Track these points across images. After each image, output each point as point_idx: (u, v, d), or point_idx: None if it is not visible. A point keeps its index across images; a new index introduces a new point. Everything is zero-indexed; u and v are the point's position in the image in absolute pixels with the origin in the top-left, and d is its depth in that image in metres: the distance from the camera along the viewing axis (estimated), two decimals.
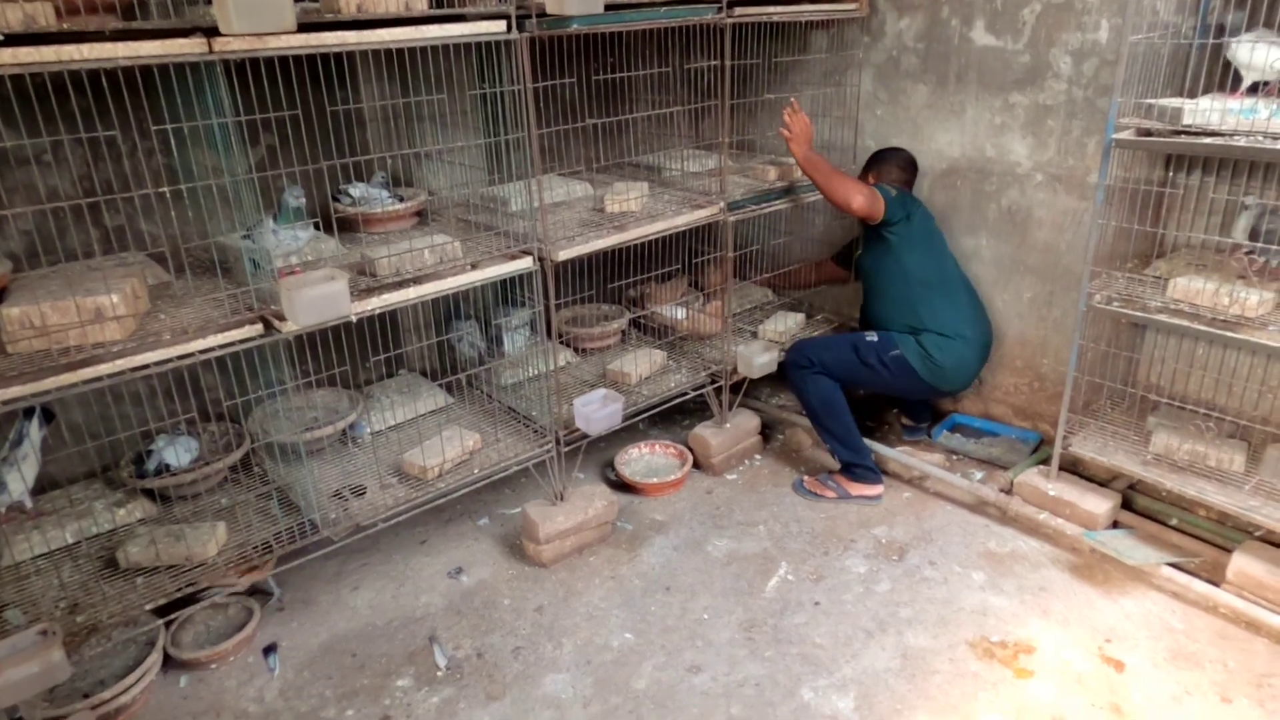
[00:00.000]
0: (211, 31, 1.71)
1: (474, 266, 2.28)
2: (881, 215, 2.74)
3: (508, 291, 2.86)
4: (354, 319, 2.02)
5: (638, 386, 2.90)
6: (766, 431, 3.28)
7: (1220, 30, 2.28)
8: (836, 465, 2.96)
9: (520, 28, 2.16)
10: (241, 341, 1.92)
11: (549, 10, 2.16)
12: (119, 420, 2.36)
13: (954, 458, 3.07)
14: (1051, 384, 2.98)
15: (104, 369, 1.75)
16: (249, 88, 2.00)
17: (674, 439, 3.20)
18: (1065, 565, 2.51)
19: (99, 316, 1.79)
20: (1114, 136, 2.23)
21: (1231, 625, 2.24)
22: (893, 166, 2.97)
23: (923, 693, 2.09)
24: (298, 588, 2.54)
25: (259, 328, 1.95)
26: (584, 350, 3.18)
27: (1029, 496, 2.68)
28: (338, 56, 2.49)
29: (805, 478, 2.97)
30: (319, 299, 1.90)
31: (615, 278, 2.99)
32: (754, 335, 3.25)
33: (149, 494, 2.27)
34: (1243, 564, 2.25)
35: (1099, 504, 2.55)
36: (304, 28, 1.81)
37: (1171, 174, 2.49)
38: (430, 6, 2.09)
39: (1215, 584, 2.31)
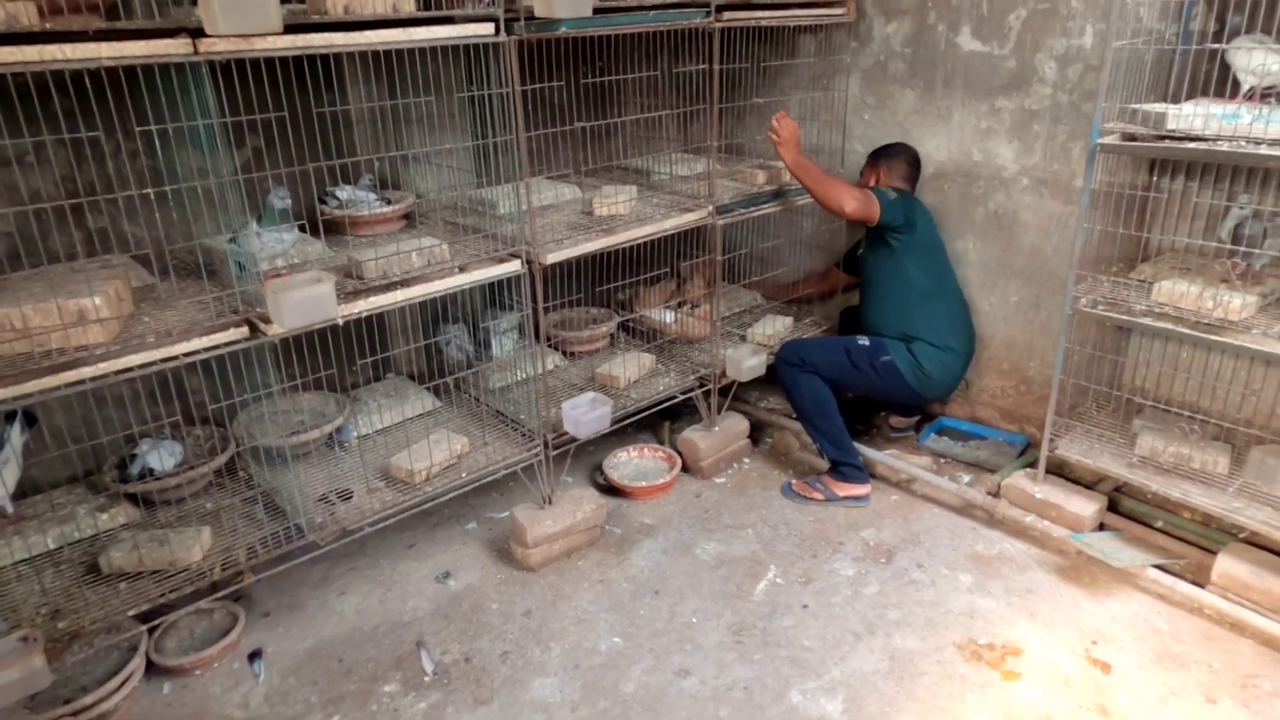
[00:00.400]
0: (197, 32, 1.69)
1: (462, 269, 2.27)
2: (877, 218, 2.74)
3: (496, 294, 2.85)
4: (340, 322, 2.01)
5: (626, 390, 2.90)
6: (755, 434, 3.28)
7: (1203, 36, 2.30)
8: (825, 467, 2.96)
9: (508, 30, 2.15)
10: (227, 344, 1.91)
11: (537, 13, 2.16)
12: (102, 424, 2.34)
13: (941, 461, 3.08)
14: (1038, 387, 3.00)
15: (86, 372, 1.73)
16: (235, 88, 1.98)
17: (663, 442, 3.20)
18: (1052, 567, 2.52)
19: (82, 319, 1.77)
20: (1098, 141, 2.25)
21: (1216, 626, 2.26)
22: (900, 162, 2.95)
23: (910, 695, 2.09)
24: (284, 593, 2.52)
25: (244, 330, 1.93)
26: (572, 353, 3.18)
27: (1016, 499, 2.70)
28: (324, 58, 2.47)
29: (793, 481, 2.97)
30: (305, 301, 1.88)
31: (604, 281, 2.99)
32: (742, 338, 3.25)
33: (132, 498, 2.24)
34: (1227, 565, 2.26)
35: (1085, 506, 2.56)
36: (290, 29, 1.80)
37: (1156, 178, 2.51)
38: (418, 8, 2.09)
39: (1200, 585, 2.33)
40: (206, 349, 1.88)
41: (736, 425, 3.17)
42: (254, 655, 2.28)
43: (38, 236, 2.15)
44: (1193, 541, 2.50)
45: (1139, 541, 2.53)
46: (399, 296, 2.14)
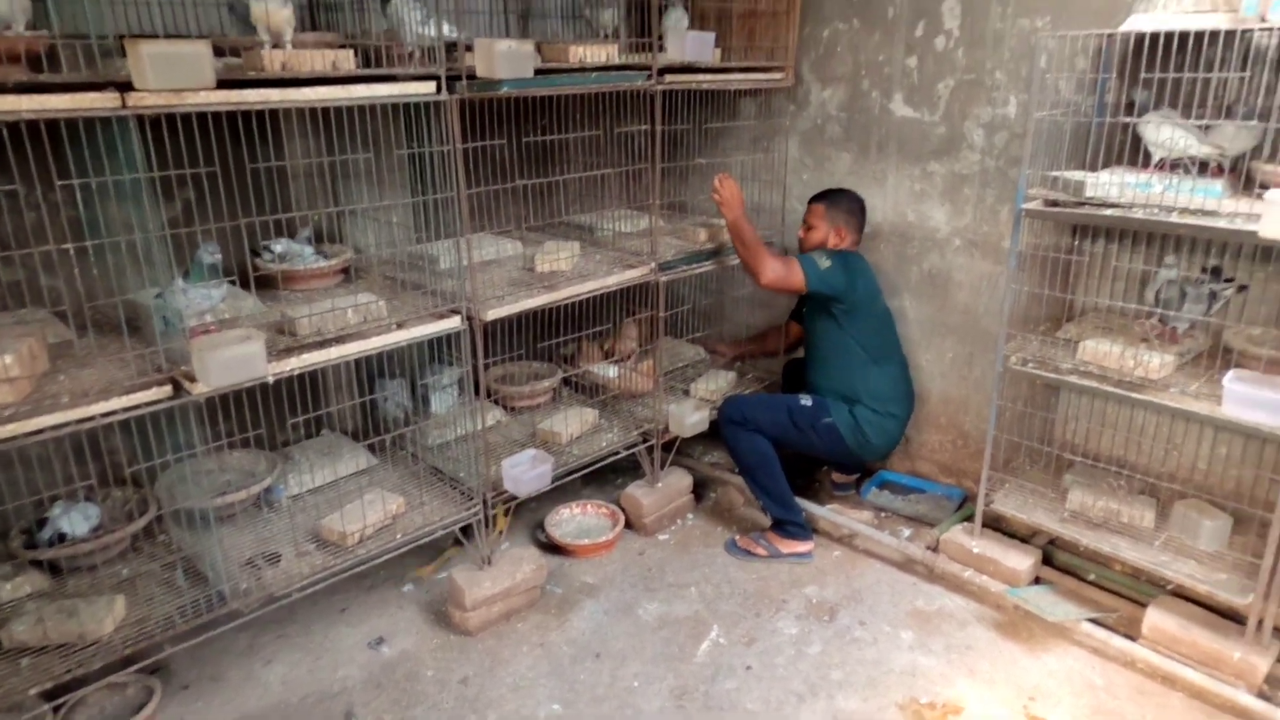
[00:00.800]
0: (125, 86, 1.66)
1: (400, 326, 2.24)
2: (803, 288, 2.76)
3: (437, 349, 2.82)
4: (271, 380, 1.95)
5: (569, 446, 2.87)
6: (699, 490, 3.27)
7: (1116, 109, 2.43)
8: (768, 523, 2.96)
9: (450, 89, 2.16)
10: (148, 404, 1.83)
11: (479, 73, 2.18)
12: (8, 486, 2.21)
13: (882, 515, 3.11)
14: (974, 441, 3.06)
15: None
16: (164, 141, 1.94)
17: (606, 498, 3.16)
18: (990, 623, 2.54)
19: None
20: (1023, 206, 2.34)
21: (1149, 680, 2.29)
22: (850, 214, 2.91)
23: None
24: (205, 663, 2.39)
25: (168, 389, 1.86)
26: (515, 409, 3.14)
27: (954, 554, 2.72)
28: (262, 111, 2.45)
29: (737, 537, 2.96)
30: (233, 360, 1.83)
31: (547, 336, 2.97)
32: (686, 393, 3.25)
33: (42, 565, 2.12)
34: (1156, 619, 2.31)
35: (1021, 561, 2.60)
36: (224, 84, 1.78)
37: (1078, 241, 2.62)
38: (359, 64, 2.08)
39: (1132, 639, 2.37)
40: (125, 409, 1.80)
41: (680, 481, 3.15)
42: None
43: None
44: (1124, 594, 2.55)
45: (1073, 595, 2.57)
46: (333, 354, 2.09)
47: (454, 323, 2.32)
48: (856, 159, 3.17)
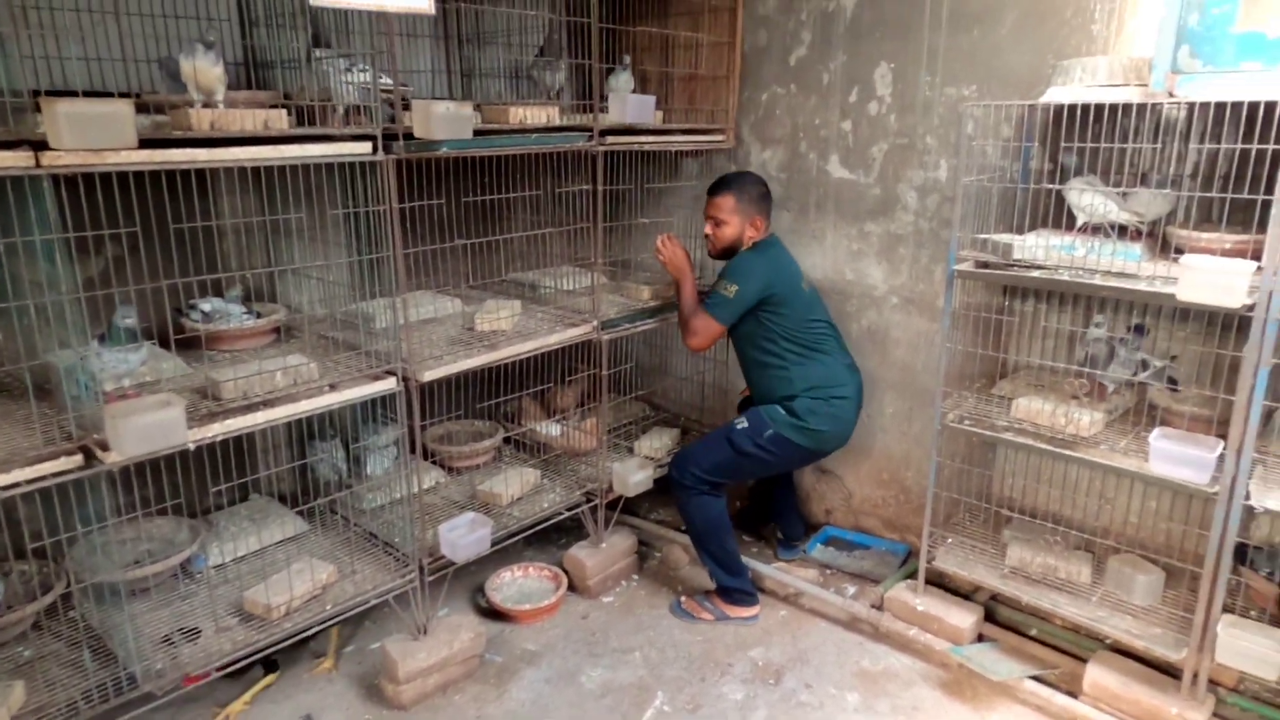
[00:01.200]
0: (40, 145, 1.60)
1: (332, 388, 2.17)
2: (722, 333, 2.75)
3: (374, 409, 2.74)
4: (192, 447, 1.87)
5: (509, 508, 2.80)
6: (644, 549, 3.22)
7: (1040, 174, 2.52)
8: (714, 585, 2.91)
9: (387, 149, 2.14)
10: (55, 475, 1.73)
11: (416, 134, 2.17)
12: None
13: (828, 572, 3.09)
14: (916, 496, 3.08)
15: None
16: (82, 199, 1.87)
17: (549, 560, 3.08)
18: (936, 682, 2.52)
19: None
20: (954, 268, 2.39)
21: None
22: (753, 198, 2.77)
23: None
24: None
25: (78, 459, 1.76)
26: (455, 469, 3.07)
27: (899, 612, 2.71)
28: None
29: (683, 599, 2.90)
30: (150, 427, 1.74)
31: (489, 394, 2.92)
32: (630, 451, 3.22)
33: None
34: (1096, 675, 2.32)
35: (964, 618, 2.60)
36: (148, 144, 1.73)
37: (1008, 301, 2.69)
38: (292, 122, 2.05)
39: (1074, 695, 2.37)
40: (30, 481, 1.70)
41: (624, 541, 3.10)
42: None
43: None
44: (1065, 649, 2.56)
45: (1015, 651, 2.57)
46: (260, 418, 2.01)
47: (389, 384, 2.26)
48: (796, 218, 3.22)
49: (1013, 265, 2.33)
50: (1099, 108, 2.19)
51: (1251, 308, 1.94)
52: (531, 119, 2.52)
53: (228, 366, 2.16)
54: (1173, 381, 2.33)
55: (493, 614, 2.84)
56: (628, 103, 2.73)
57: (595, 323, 2.80)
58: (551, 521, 2.85)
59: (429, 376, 2.32)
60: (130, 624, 2.03)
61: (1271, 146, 1.90)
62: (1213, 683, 2.25)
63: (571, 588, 2.97)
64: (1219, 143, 2.15)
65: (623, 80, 2.96)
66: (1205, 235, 2.13)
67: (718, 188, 2.79)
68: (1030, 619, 2.67)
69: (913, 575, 2.78)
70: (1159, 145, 2.32)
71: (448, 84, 3.11)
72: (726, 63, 3.21)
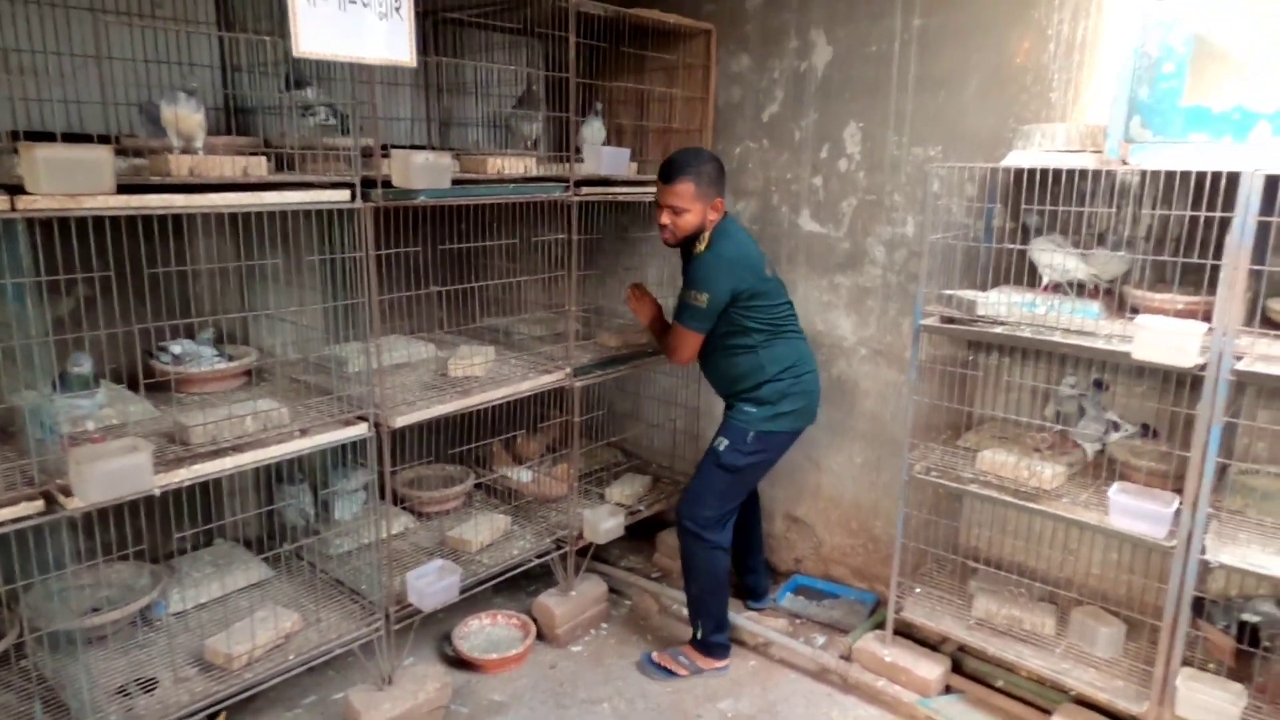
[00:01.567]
0: (16, 189, 1.60)
1: (303, 433, 2.16)
2: (701, 340, 2.64)
3: (343, 452, 2.72)
4: (157, 493, 1.84)
5: (479, 555, 2.78)
6: (614, 596, 3.20)
7: (1002, 233, 2.60)
8: (685, 635, 2.90)
9: (365, 197, 2.17)
10: (14, 521, 1.70)
11: (395, 183, 2.19)
12: None
13: (797, 621, 3.09)
14: (884, 546, 3.10)
15: None
16: (55, 240, 1.86)
17: (518, 607, 3.05)
18: None
19: None
20: (921, 322, 2.45)
21: None
22: (712, 180, 2.57)
23: None
24: None
25: (39, 505, 1.73)
26: (425, 514, 3.04)
27: (867, 663, 2.71)
28: None
29: (654, 654, 2.85)
30: (115, 473, 1.72)
31: (461, 439, 2.92)
32: (601, 498, 3.22)
33: None
34: None
35: (931, 669, 2.61)
36: (126, 189, 1.74)
37: (973, 355, 2.75)
38: (271, 168, 2.07)
39: None
40: None
41: (594, 589, 3.08)
42: None
43: None
44: (1031, 701, 2.57)
45: (982, 703, 2.58)
46: (229, 464, 2.00)
47: (360, 430, 2.25)
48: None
49: (976, 321, 2.39)
50: (1058, 172, 2.28)
51: (1203, 367, 2.01)
52: (509, 169, 2.56)
53: (197, 410, 2.14)
54: (1146, 427, 2.38)
55: (459, 663, 2.80)
56: (602, 155, 2.79)
57: (568, 369, 2.82)
58: (521, 569, 2.83)
59: (401, 422, 2.32)
60: (85, 674, 1.98)
61: (1219, 214, 1.98)
62: None
63: (540, 636, 2.94)
64: (1171, 208, 2.24)
65: (594, 129, 3.02)
66: (1159, 296, 2.22)
67: (673, 173, 2.54)
68: (996, 670, 2.69)
69: (881, 625, 2.79)
70: (1115, 209, 2.41)
71: (427, 131, 3.16)
72: (700, 117, 3.29)
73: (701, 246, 2.57)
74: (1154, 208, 2.34)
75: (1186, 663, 2.19)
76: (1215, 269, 2.00)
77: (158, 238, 2.33)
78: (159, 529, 2.47)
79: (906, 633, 2.79)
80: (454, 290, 3.01)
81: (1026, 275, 2.47)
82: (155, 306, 2.39)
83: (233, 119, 2.52)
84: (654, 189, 2.85)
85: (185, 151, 1.95)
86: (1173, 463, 2.21)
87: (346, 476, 2.85)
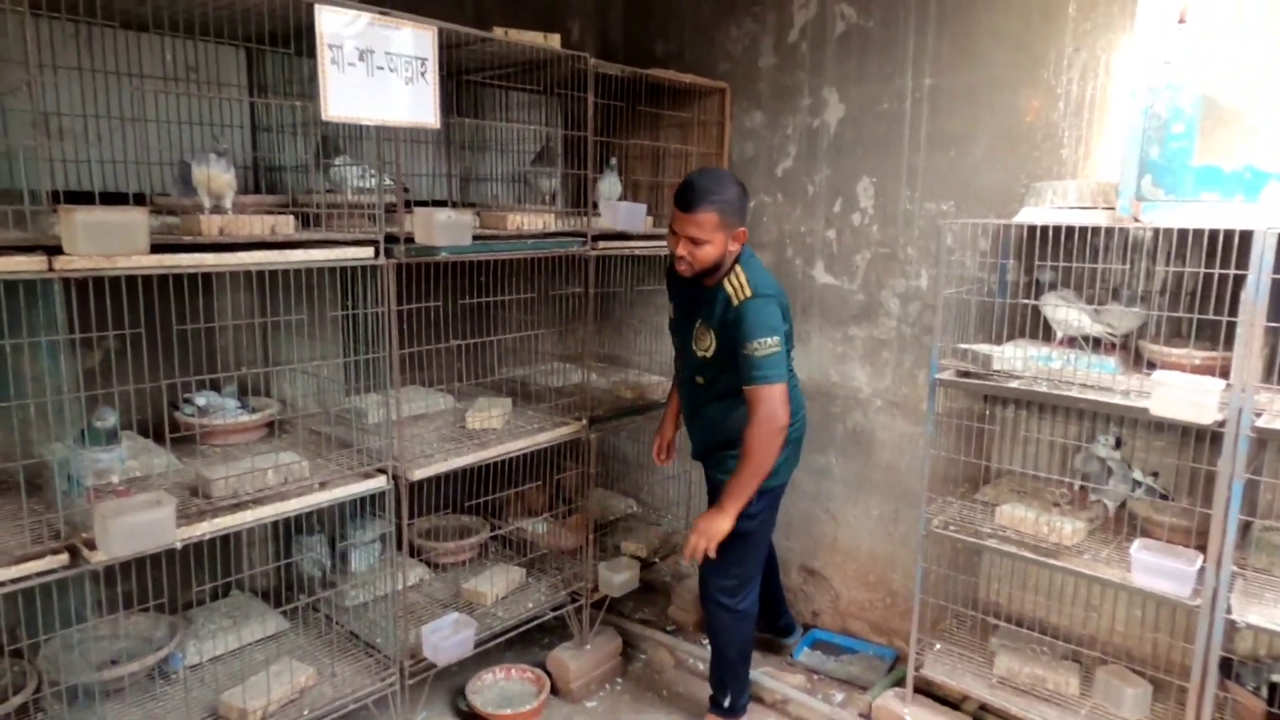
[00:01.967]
0: (54, 250, 1.65)
1: (322, 486, 2.18)
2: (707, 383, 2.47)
3: (361, 504, 2.73)
4: (179, 546, 1.86)
5: (493, 607, 2.77)
6: (629, 650, 3.17)
7: (1016, 287, 2.62)
8: (703, 692, 2.85)
9: (388, 254, 2.22)
10: (39, 575, 1.72)
11: (418, 240, 2.24)
12: None
13: (815, 677, 3.04)
14: (903, 600, 3.06)
15: None
16: (88, 296, 1.92)
17: (532, 660, 3.02)
18: None
19: None
20: (936, 376, 2.46)
21: None
22: (737, 209, 2.33)
23: None
24: None
25: (64, 558, 1.75)
26: (440, 565, 3.04)
27: None
28: None
29: None
30: (139, 527, 1.74)
31: (477, 488, 2.92)
32: (617, 549, 3.21)
33: None
34: None
35: None
36: (159, 248, 1.79)
37: (990, 408, 2.75)
38: (298, 226, 2.12)
39: None
40: (13, 580, 1.68)
41: (609, 643, 3.05)
42: None
43: None
44: None
45: None
46: (249, 517, 2.01)
47: (379, 482, 2.27)
48: None
49: (992, 375, 2.40)
50: (1070, 228, 2.30)
51: (1223, 423, 2.00)
52: (528, 225, 2.62)
53: (219, 462, 2.17)
54: (1164, 495, 2.35)
55: (473, 718, 2.77)
56: (619, 211, 2.84)
57: (584, 420, 2.83)
58: (536, 622, 2.82)
59: (419, 475, 2.34)
60: None
61: (1233, 271, 2.00)
62: None
63: (554, 690, 2.91)
64: (1184, 264, 2.25)
65: (610, 184, 3.08)
66: (1175, 351, 2.22)
67: (694, 200, 2.26)
68: None
69: (900, 682, 2.74)
70: (1128, 264, 2.43)
71: (448, 187, 3.23)
72: None
73: (745, 293, 2.31)
74: (1168, 264, 2.35)
75: None
76: (1231, 325, 2.00)
77: (187, 293, 2.39)
78: (178, 580, 2.49)
79: (927, 690, 2.74)
80: (472, 345, 3.05)
81: (1042, 329, 2.48)
82: (181, 359, 2.43)
83: (260, 176, 2.60)
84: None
85: (216, 210, 2.01)
86: (1194, 519, 2.19)
87: (363, 527, 2.85)
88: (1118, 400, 2.17)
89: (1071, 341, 2.41)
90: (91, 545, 1.76)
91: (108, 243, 1.65)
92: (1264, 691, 2.17)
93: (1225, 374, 2.04)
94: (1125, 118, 2.21)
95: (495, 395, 2.93)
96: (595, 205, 2.90)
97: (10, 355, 1.86)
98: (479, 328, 3.12)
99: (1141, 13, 2.15)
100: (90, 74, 2.17)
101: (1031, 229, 2.46)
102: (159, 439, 2.25)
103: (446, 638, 2.42)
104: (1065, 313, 2.36)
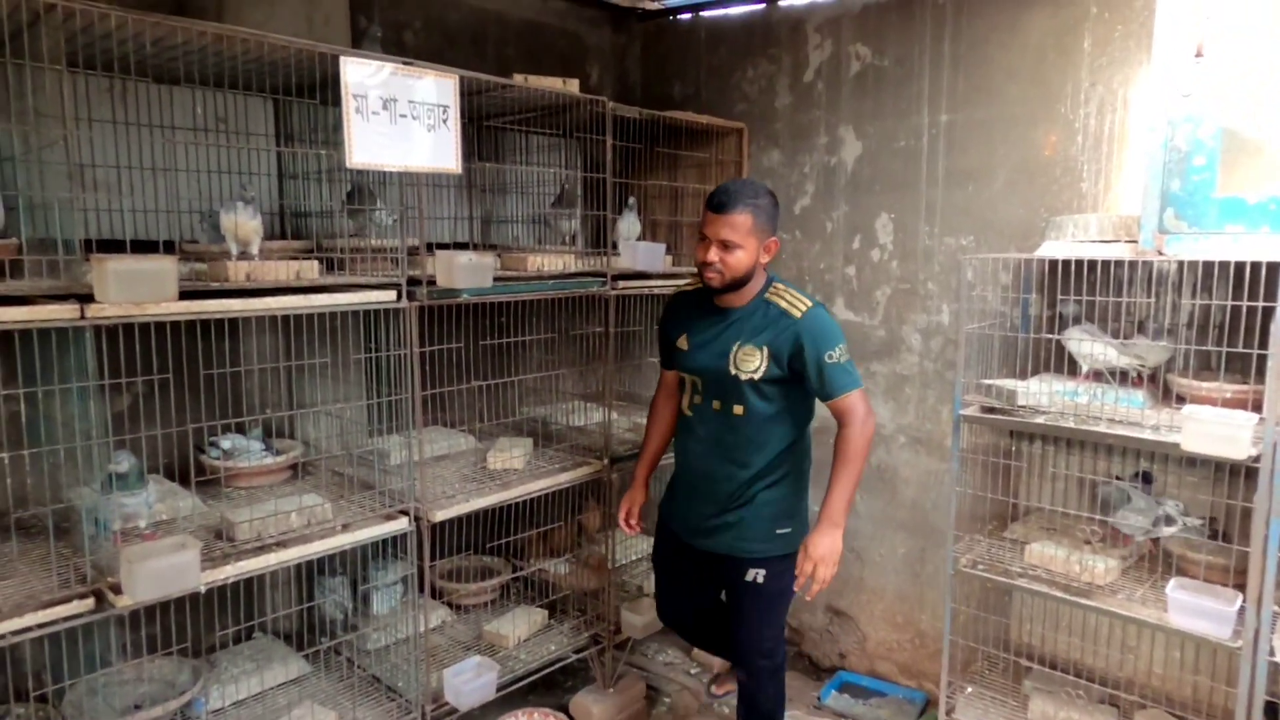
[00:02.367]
0: (86, 298, 1.69)
1: (345, 528, 2.19)
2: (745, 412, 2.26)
3: (383, 546, 2.73)
4: (203, 589, 1.87)
5: (515, 649, 2.74)
6: (652, 693, 3.12)
7: (1040, 321, 2.60)
8: None
9: (410, 296, 2.24)
10: (65, 619, 1.73)
11: (440, 283, 2.27)
12: None
13: None
14: (932, 641, 3.00)
15: None
16: (118, 342, 1.95)
17: (554, 703, 2.98)
18: None
19: None
20: (961, 412, 2.43)
21: None
22: (771, 216, 2.22)
23: None
24: None
25: (90, 603, 1.76)
26: (461, 606, 3.02)
27: None
28: None
29: None
30: (165, 571, 1.75)
31: (498, 529, 2.91)
32: (639, 589, 3.17)
33: None
34: None
35: None
36: (187, 294, 1.82)
37: (1016, 444, 2.71)
38: (322, 270, 2.16)
39: None
40: (40, 625, 1.70)
41: (632, 686, 3.01)
42: None
43: None
44: None
45: None
46: (272, 560, 2.02)
47: (401, 524, 2.27)
48: None
49: (1017, 410, 2.37)
50: (1092, 262, 2.29)
51: (1258, 458, 1.96)
52: (548, 266, 2.64)
53: (244, 505, 2.18)
54: (1213, 535, 2.28)
55: None
56: (638, 250, 2.86)
57: (606, 460, 2.83)
58: (558, 665, 2.78)
59: (441, 516, 2.34)
60: None
61: (1261, 304, 1.97)
62: None
63: None
64: (1210, 296, 2.23)
65: (629, 223, 3.10)
66: (1205, 385, 2.18)
67: (729, 201, 2.14)
68: None
69: None
70: (1154, 297, 2.40)
71: (469, 229, 3.27)
72: None
73: (804, 303, 2.20)
74: (1194, 296, 2.32)
75: None
76: (1262, 358, 1.97)
77: (214, 337, 2.42)
78: (202, 623, 2.49)
79: None
80: (493, 386, 3.06)
81: (1067, 363, 2.45)
82: (208, 402, 2.46)
83: (286, 222, 2.65)
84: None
85: (243, 256, 2.05)
86: (1232, 557, 2.13)
87: (384, 569, 2.84)
88: (1147, 435, 2.13)
89: (1097, 376, 2.38)
90: (117, 589, 1.77)
91: (138, 291, 1.68)
92: None
93: (1258, 407, 2.00)
94: (1145, 151, 2.21)
95: (516, 435, 2.93)
96: (614, 245, 2.92)
97: (42, 400, 1.89)
98: (500, 368, 3.14)
99: (1158, 47, 2.15)
100: (124, 126, 2.23)
101: (1053, 263, 2.45)
102: (185, 482, 2.27)
103: (469, 681, 2.40)
104: (1091, 346, 2.33)
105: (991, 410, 2.42)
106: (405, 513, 2.29)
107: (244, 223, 2.07)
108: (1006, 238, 2.72)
